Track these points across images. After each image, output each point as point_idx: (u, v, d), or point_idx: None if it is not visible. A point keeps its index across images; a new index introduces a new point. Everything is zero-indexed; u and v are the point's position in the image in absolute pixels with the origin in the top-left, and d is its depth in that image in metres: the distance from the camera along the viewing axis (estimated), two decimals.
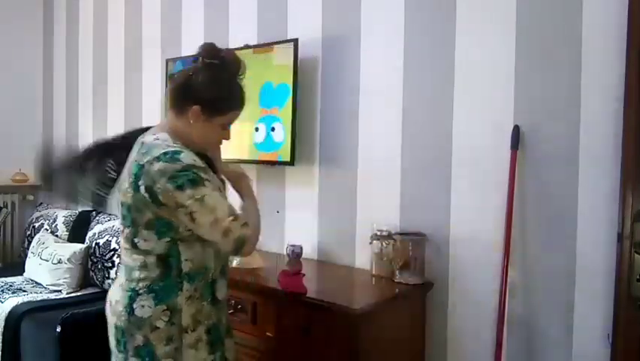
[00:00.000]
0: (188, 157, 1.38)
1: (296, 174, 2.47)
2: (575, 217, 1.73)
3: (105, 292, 2.88)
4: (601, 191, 1.67)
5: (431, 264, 2.03)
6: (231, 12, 2.78)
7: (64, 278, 2.99)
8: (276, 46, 2.39)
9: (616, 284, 1.61)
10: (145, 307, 1.42)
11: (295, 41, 2.30)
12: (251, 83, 2.42)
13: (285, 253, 2.41)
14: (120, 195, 1.45)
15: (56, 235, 3.43)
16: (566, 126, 1.74)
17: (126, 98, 3.46)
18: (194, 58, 1.55)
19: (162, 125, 1.53)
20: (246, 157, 2.51)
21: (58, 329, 2.38)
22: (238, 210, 1.48)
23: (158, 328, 1.43)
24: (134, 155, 1.45)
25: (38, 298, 2.85)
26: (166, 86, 1.46)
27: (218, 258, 1.52)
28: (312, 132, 2.40)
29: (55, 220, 3.55)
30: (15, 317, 2.68)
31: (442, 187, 2.01)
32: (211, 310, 1.51)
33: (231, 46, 2.70)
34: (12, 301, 2.79)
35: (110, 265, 2.95)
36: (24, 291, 2.97)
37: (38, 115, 4.29)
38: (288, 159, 2.33)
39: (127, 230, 1.45)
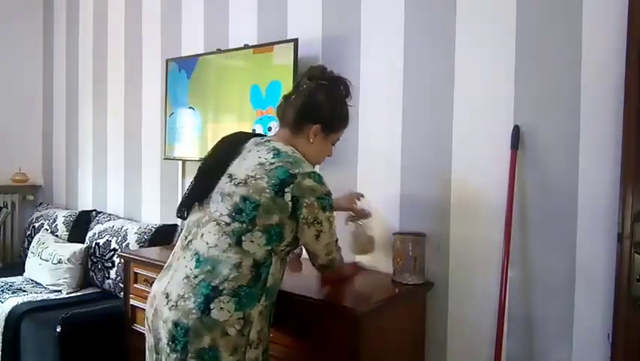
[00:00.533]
0: (327, 186, 1.53)
1: None
2: (575, 217, 1.73)
3: (105, 292, 2.88)
4: (601, 191, 1.67)
5: (431, 264, 2.03)
6: (231, 12, 2.78)
7: (64, 278, 3.00)
8: (276, 46, 2.39)
9: (616, 284, 1.61)
10: (224, 310, 1.38)
11: (295, 41, 2.30)
12: (244, 85, 2.46)
13: None
14: (244, 188, 1.44)
15: (56, 235, 3.44)
16: (566, 126, 1.74)
17: (126, 98, 3.46)
18: (302, 77, 1.65)
19: (283, 139, 1.59)
20: None
21: (58, 329, 2.38)
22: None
23: (229, 335, 1.39)
24: (265, 156, 1.49)
25: (38, 298, 2.85)
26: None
27: (279, 285, 1.58)
28: None
29: (55, 220, 3.55)
30: (15, 317, 2.68)
31: (441, 187, 2.01)
32: (267, 333, 1.53)
33: (231, 46, 2.71)
34: (12, 301, 2.79)
35: (110, 265, 2.95)
36: (24, 291, 2.97)
37: (38, 115, 4.30)
38: None
39: (236, 225, 1.42)
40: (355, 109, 2.25)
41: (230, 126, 2.56)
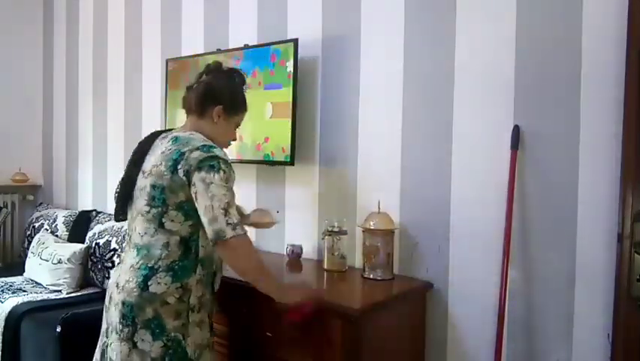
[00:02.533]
0: (219, 151, 1.62)
1: (296, 174, 2.47)
2: (575, 217, 1.73)
3: (105, 292, 2.88)
4: (601, 191, 1.67)
5: (431, 264, 2.03)
6: (231, 12, 2.78)
7: (64, 278, 3.00)
8: (276, 46, 2.39)
9: (616, 284, 1.61)
10: (161, 284, 1.57)
11: (295, 41, 2.30)
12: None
13: (285, 253, 2.42)
14: (151, 178, 1.60)
15: (56, 235, 3.44)
16: (565, 126, 1.74)
17: (126, 98, 3.46)
18: (202, 73, 1.80)
19: (188, 127, 1.74)
20: (249, 157, 2.52)
21: (58, 329, 2.39)
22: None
23: (169, 303, 1.58)
24: (166, 145, 1.64)
25: (38, 298, 2.85)
26: (185, 91, 1.79)
27: (216, 259, 1.71)
28: (312, 132, 2.40)
29: (55, 220, 3.55)
30: (15, 317, 2.68)
31: (441, 187, 2.01)
32: (209, 298, 1.70)
33: (231, 46, 2.71)
34: (12, 301, 2.79)
35: (110, 265, 2.95)
36: (24, 291, 2.97)
37: (38, 115, 4.29)
38: (288, 158, 2.33)
39: (154, 210, 1.59)
40: (355, 109, 2.26)
41: None
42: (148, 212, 1.61)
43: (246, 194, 2.67)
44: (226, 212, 1.52)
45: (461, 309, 1.97)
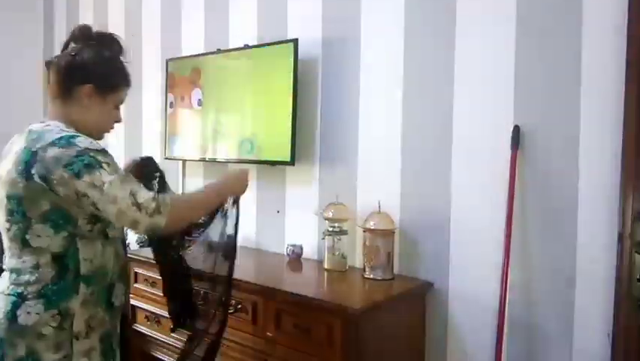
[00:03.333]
0: (84, 140, 1.29)
1: (296, 174, 2.47)
2: (575, 217, 1.73)
3: None
4: (601, 191, 1.67)
5: (431, 264, 2.03)
6: (231, 12, 2.78)
7: None
8: (276, 46, 2.39)
9: (616, 284, 1.61)
10: (31, 314, 1.29)
11: (295, 41, 2.30)
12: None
13: (285, 253, 2.42)
14: (5, 187, 1.30)
15: None
16: (565, 126, 1.74)
17: (126, 97, 3.45)
18: (68, 41, 1.45)
19: (51, 116, 1.42)
20: (246, 156, 2.52)
21: None
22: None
23: (45, 335, 1.29)
24: (20, 143, 1.32)
25: None
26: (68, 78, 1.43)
27: (118, 259, 1.43)
28: (312, 132, 2.40)
29: None
30: None
31: (442, 187, 2.01)
32: (105, 316, 1.40)
33: (231, 46, 2.71)
34: None
35: None
36: None
37: (38, 115, 4.28)
38: (288, 158, 2.33)
39: (15, 227, 1.30)
40: (355, 109, 2.26)
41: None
42: (9, 229, 1.32)
43: (246, 194, 2.66)
44: (138, 206, 1.24)
45: (461, 309, 1.97)
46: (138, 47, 3.37)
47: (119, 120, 1.53)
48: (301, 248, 2.38)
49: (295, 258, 2.36)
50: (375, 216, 2.05)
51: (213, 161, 2.72)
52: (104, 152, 1.30)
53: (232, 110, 2.60)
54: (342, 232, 2.15)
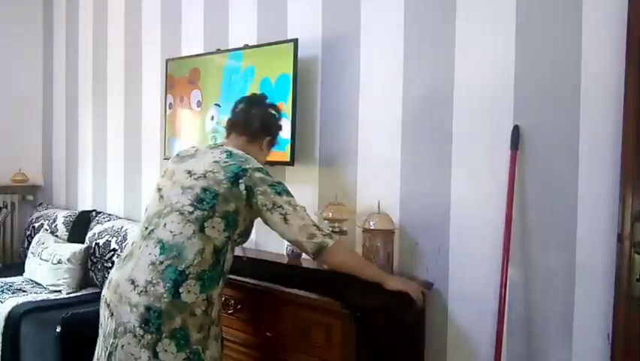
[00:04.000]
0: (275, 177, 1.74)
1: (296, 174, 2.46)
2: (574, 217, 1.73)
3: None
4: (601, 191, 1.67)
5: (431, 264, 2.03)
6: (231, 12, 2.78)
7: (64, 278, 3.00)
8: (275, 46, 2.39)
9: (616, 284, 1.61)
10: (191, 292, 1.55)
11: (295, 41, 2.30)
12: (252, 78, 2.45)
13: (285, 253, 2.42)
14: (203, 181, 1.63)
15: (56, 235, 3.43)
16: (565, 126, 1.74)
17: (126, 98, 3.46)
18: (249, 99, 1.99)
19: (236, 145, 1.82)
20: None
21: (58, 329, 2.39)
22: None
23: (196, 315, 1.57)
24: (219, 156, 1.70)
25: (38, 299, 2.85)
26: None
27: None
28: (312, 132, 2.40)
29: (55, 220, 3.55)
30: (15, 317, 2.68)
31: (441, 187, 2.01)
32: (221, 313, 1.73)
33: (231, 46, 2.71)
34: (12, 302, 2.79)
35: (110, 265, 2.95)
36: (24, 291, 2.97)
37: (38, 115, 4.29)
38: (287, 158, 2.33)
39: (199, 212, 1.60)
40: (355, 109, 2.26)
41: None
42: (191, 213, 1.60)
43: None
44: (318, 227, 1.66)
45: (461, 309, 1.97)
46: (138, 47, 3.37)
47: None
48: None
49: (295, 258, 2.36)
50: (375, 216, 2.05)
51: None
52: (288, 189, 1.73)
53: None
54: (342, 232, 2.15)
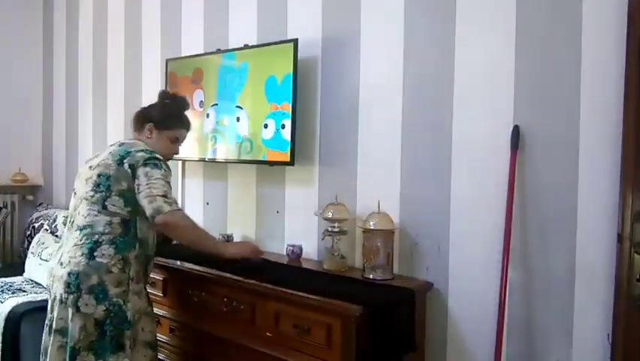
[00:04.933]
0: (159, 155, 1.97)
1: (296, 174, 2.47)
2: (574, 217, 1.73)
3: None
4: (601, 191, 1.67)
5: (431, 264, 2.03)
6: (231, 12, 2.78)
7: None
8: (275, 46, 2.39)
9: (616, 284, 1.61)
10: (105, 255, 1.83)
11: (295, 41, 2.30)
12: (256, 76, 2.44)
13: (285, 253, 2.42)
14: (98, 169, 1.91)
15: (56, 235, 3.43)
16: (565, 126, 1.74)
17: (126, 98, 3.46)
18: (163, 95, 2.21)
19: (132, 139, 2.11)
20: (246, 157, 2.52)
21: None
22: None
23: (112, 272, 1.83)
24: (114, 148, 1.99)
25: (38, 298, 2.85)
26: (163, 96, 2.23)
27: (154, 241, 2.00)
28: (312, 132, 2.40)
29: (55, 220, 3.55)
30: (15, 317, 2.68)
31: (441, 187, 2.01)
32: (143, 276, 1.97)
33: (231, 46, 2.71)
34: (12, 302, 2.79)
35: None
36: (24, 291, 2.97)
37: (38, 115, 4.29)
38: (288, 158, 2.33)
39: (98, 195, 1.88)
40: (355, 109, 2.26)
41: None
42: (92, 196, 1.88)
43: (247, 194, 2.67)
44: (165, 195, 1.84)
45: (461, 309, 1.97)
46: (138, 47, 3.37)
47: (175, 152, 2.18)
48: (301, 248, 2.38)
49: (295, 258, 2.36)
50: (374, 216, 2.05)
51: (213, 161, 2.72)
52: (169, 166, 1.97)
53: (232, 110, 2.60)
54: (342, 232, 2.15)
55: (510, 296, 1.83)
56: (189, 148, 2.81)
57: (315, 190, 2.41)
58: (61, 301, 1.84)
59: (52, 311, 1.90)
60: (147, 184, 1.84)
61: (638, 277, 1.55)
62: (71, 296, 1.80)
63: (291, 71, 2.30)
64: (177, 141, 2.16)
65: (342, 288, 1.88)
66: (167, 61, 2.94)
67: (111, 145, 2.06)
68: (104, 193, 1.87)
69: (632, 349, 1.57)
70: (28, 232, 3.69)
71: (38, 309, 2.70)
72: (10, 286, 3.05)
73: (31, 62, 4.23)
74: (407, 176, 2.12)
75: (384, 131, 2.17)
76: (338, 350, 1.70)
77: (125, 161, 1.89)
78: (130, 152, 1.92)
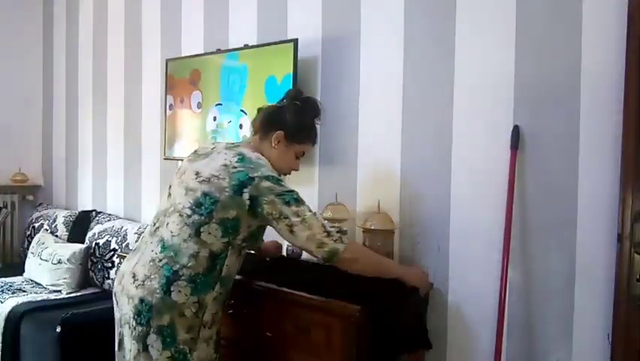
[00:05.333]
0: (284, 181, 1.67)
1: (295, 174, 2.45)
2: (574, 217, 1.73)
3: (105, 291, 2.89)
4: (601, 191, 1.67)
5: (431, 264, 2.03)
6: (231, 12, 2.78)
7: (64, 278, 3.00)
8: (275, 46, 2.39)
9: (616, 284, 1.61)
10: (181, 293, 1.58)
11: (295, 41, 2.30)
12: (256, 77, 2.44)
13: (285, 253, 2.42)
14: (206, 185, 1.61)
15: (56, 235, 3.44)
16: (565, 126, 1.74)
17: (126, 98, 3.46)
18: (282, 98, 1.86)
19: (250, 146, 1.76)
20: None
21: (58, 329, 2.38)
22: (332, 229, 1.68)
23: (185, 316, 1.59)
24: (230, 159, 1.65)
25: (38, 299, 2.85)
26: (258, 114, 1.85)
27: (235, 276, 1.75)
28: None
29: (55, 220, 3.55)
30: (15, 317, 2.68)
31: (441, 187, 2.01)
32: (220, 316, 1.73)
33: (231, 46, 2.71)
34: (12, 302, 2.79)
35: (110, 265, 2.95)
36: (24, 291, 2.97)
37: (38, 115, 4.29)
38: None
39: (196, 217, 1.60)
40: (355, 109, 2.26)
41: None
42: (189, 216, 1.61)
43: None
44: (328, 233, 1.62)
45: (461, 309, 1.97)
46: (138, 47, 3.37)
47: (296, 169, 1.87)
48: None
49: (295, 258, 2.36)
50: (375, 216, 2.05)
51: None
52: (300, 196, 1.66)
53: (237, 113, 2.60)
54: (342, 232, 2.15)
55: (510, 296, 1.83)
56: (189, 149, 2.81)
57: (315, 190, 2.41)
58: (129, 327, 1.63)
59: (121, 326, 1.69)
60: (303, 227, 1.59)
61: (638, 277, 1.55)
62: (140, 328, 1.59)
63: (291, 71, 2.30)
64: (302, 156, 1.86)
65: (343, 286, 1.87)
66: (167, 61, 2.94)
67: (227, 149, 1.71)
68: (203, 218, 1.59)
69: (632, 349, 1.57)
70: (28, 232, 3.69)
71: (38, 309, 2.71)
72: (10, 286, 3.05)
73: (31, 62, 4.23)
74: (407, 176, 2.12)
75: (384, 131, 2.17)
76: (338, 350, 1.70)
77: (245, 190, 1.58)
78: (253, 179, 1.59)
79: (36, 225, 3.66)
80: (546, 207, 1.79)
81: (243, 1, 2.71)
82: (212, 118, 2.69)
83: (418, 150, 2.08)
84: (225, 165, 1.63)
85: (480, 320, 1.91)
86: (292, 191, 1.64)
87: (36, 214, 3.80)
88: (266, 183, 1.60)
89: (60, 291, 2.97)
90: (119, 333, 1.69)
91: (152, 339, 1.58)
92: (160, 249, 1.62)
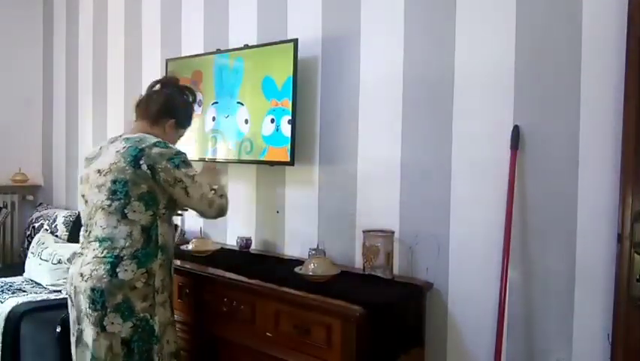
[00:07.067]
0: (176, 147, 1.87)
1: (296, 174, 2.47)
2: (574, 217, 1.73)
3: None
4: (601, 191, 1.67)
5: (431, 264, 2.03)
6: (231, 12, 2.78)
7: (64, 278, 2.99)
8: (275, 46, 2.39)
9: (616, 284, 1.61)
10: (128, 271, 1.73)
11: (295, 41, 2.30)
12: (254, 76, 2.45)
13: (284, 252, 2.42)
14: (111, 175, 1.76)
15: (56, 235, 3.43)
16: (565, 126, 1.74)
17: (126, 98, 3.46)
18: (157, 82, 2.03)
19: (139, 130, 1.91)
20: (246, 157, 2.51)
21: (58, 329, 2.38)
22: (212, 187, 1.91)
23: (137, 288, 1.74)
24: (119, 145, 1.81)
25: (38, 298, 2.85)
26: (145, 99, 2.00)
27: (173, 242, 1.93)
28: (312, 132, 2.40)
29: (54, 220, 3.55)
30: (15, 317, 2.68)
31: (441, 187, 2.01)
32: (169, 281, 1.87)
33: (231, 46, 2.71)
34: (12, 302, 2.79)
35: None
36: (24, 291, 2.97)
37: (38, 115, 4.29)
38: (287, 158, 2.33)
39: (116, 203, 1.74)
40: (355, 109, 2.26)
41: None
42: (110, 205, 1.75)
43: (246, 194, 2.67)
44: (215, 191, 1.87)
45: (461, 309, 1.97)
46: (138, 47, 3.37)
47: None
48: (250, 240, 2.52)
49: (246, 249, 2.49)
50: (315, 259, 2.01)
51: (213, 161, 2.72)
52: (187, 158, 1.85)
53: (233, 106, 2.59)
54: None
55: (510, 296, 1.83)
56: (189, 148, 2.81)
57: (315, 190, 2.41)
58: (87, 316, 1.73)
59: (79, 323, 1.79)
60: (195, 186, 1.80)
61: (638, 277, 1.55)
62: (96, 314, 1.70)
63: (291, 71, 2.30)
64: (180, 138, 2.08)
65: (342, 288, 1.87)
66: (167, 61, 2.94)
67: (112, 142, 1.87)
68: (122, 201, 1.73)
69: (632, 349, 1.57)
70: (28, 232, 3.69)
71: (38, 309, 2.71)
72: (10, 286, 3.05)
73: (31, 62, 4.23)
74: (407, 176, 2.11)
75: (384, 131, 2.17)
76: (338, 350, 1.70)
77: (141, 162, 1.73)
78: (142, 150, 1.75)
79: (36, 225, 3.66)
80: (546, 207, 1.79)
81: (243, 1, 2.71)
82: (212, 118, 2.69)
83: (418, 150, 2.08)
84: (117, 151, 1.79)
85: (480, 320, 1.91)
86: (181, 153, 1.82)
87: (36, 214, 3.80)
88: (155, 150, 1.77)
89: (60, 291, 2.96)
90: (77, 330, 1.80)
91: (110, 318, 1.70)
92: (98, 245, 1.76)
